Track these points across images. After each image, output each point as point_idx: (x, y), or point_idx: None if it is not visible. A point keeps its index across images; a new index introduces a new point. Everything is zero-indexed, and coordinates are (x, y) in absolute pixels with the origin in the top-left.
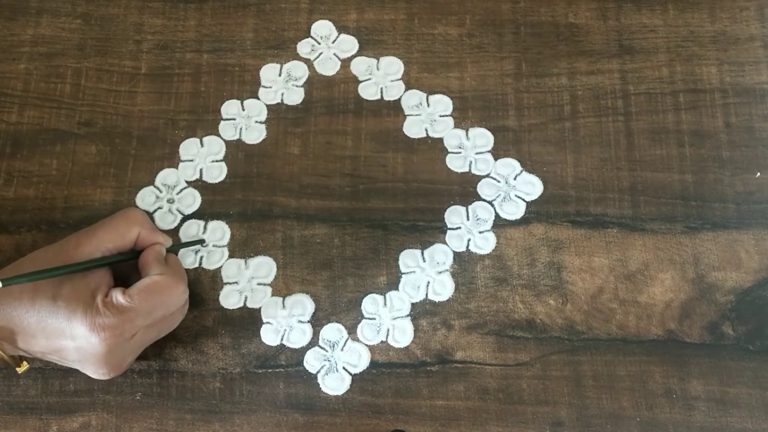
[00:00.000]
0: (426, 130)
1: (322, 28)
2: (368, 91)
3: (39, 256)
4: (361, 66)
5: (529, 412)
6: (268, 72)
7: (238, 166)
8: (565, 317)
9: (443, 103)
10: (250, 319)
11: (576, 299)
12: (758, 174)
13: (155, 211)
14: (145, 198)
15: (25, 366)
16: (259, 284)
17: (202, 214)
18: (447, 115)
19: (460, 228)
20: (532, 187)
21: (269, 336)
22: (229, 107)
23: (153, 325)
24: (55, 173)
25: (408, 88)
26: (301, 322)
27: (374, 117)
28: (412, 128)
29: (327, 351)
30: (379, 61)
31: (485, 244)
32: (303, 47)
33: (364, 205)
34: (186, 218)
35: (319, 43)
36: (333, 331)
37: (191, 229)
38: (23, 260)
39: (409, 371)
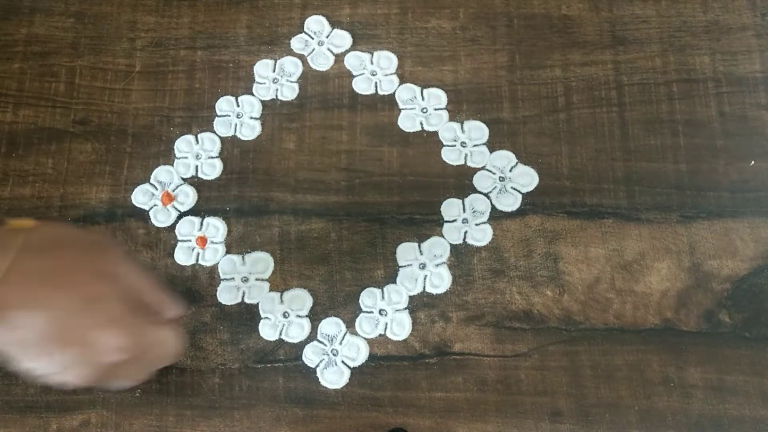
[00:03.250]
0: (421, 123)
1: (316, 23)
2: (362, 86)
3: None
4: (354, 61)
5: (527, 402)
6: (262, 68)
7: (234, 162)
8: (562, 308)
9: (438, 97)
10: (248, 315)
11: (573, 290)
12: (752, 162)
13: (151, 208)
14: (140, 195)
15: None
16: (256, 280)
17: (199, 211)
18: (442, 109)
19: (456, 220)
20: (528, 178)
21: (267, 331)
22: (224, 103)
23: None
24: (50, 172)
25: (402, 82)
26: (299, 316)
27: (369, 111)
28: (407, 122)
29: (326, 345)
30: (373, 55)
31: (482, 236)
32: (296, 43)
33: (360, 200)
34: (182, 215)
35: (313, 39)
36: (331, 325)
37: (187, 227)
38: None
39: (407, 364)
